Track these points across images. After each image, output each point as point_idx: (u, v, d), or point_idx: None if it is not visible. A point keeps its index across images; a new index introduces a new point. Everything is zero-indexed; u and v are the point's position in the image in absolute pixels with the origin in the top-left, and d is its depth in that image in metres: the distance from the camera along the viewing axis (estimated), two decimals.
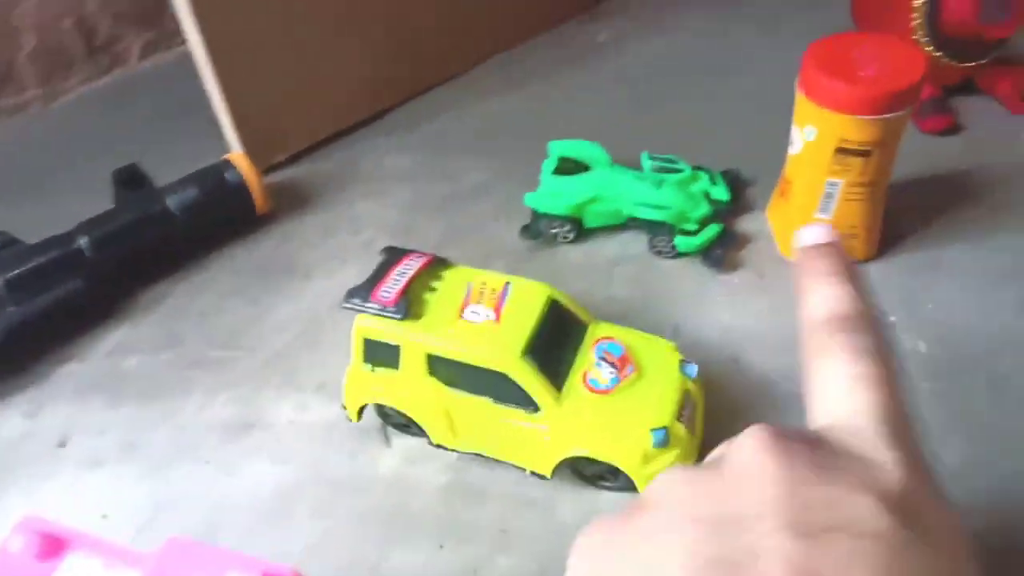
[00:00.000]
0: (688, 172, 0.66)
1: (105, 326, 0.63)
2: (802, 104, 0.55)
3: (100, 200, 0.66)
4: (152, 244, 0.65)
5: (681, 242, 0.63)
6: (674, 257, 0.64)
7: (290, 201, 0.73)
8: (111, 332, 0.63)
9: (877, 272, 0.61)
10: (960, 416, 0.52)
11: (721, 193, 0.65)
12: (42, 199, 0.75)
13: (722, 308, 0.60)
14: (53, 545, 0.34)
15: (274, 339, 0.61)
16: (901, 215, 0.64)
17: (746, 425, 0.53)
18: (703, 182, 0.66)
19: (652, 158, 0.67)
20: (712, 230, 0.63)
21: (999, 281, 0.60)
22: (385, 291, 0.47)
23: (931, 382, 0.54)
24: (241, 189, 0.67)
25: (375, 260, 0.52)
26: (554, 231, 0.65)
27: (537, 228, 0.66)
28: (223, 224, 0.69)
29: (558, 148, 0.67)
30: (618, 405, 0.47)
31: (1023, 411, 0.52)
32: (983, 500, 0.47)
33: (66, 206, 0.66)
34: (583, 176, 0.64)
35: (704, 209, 0.63)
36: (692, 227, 0.63)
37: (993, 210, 0.65)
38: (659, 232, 0.63)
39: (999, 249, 0.62)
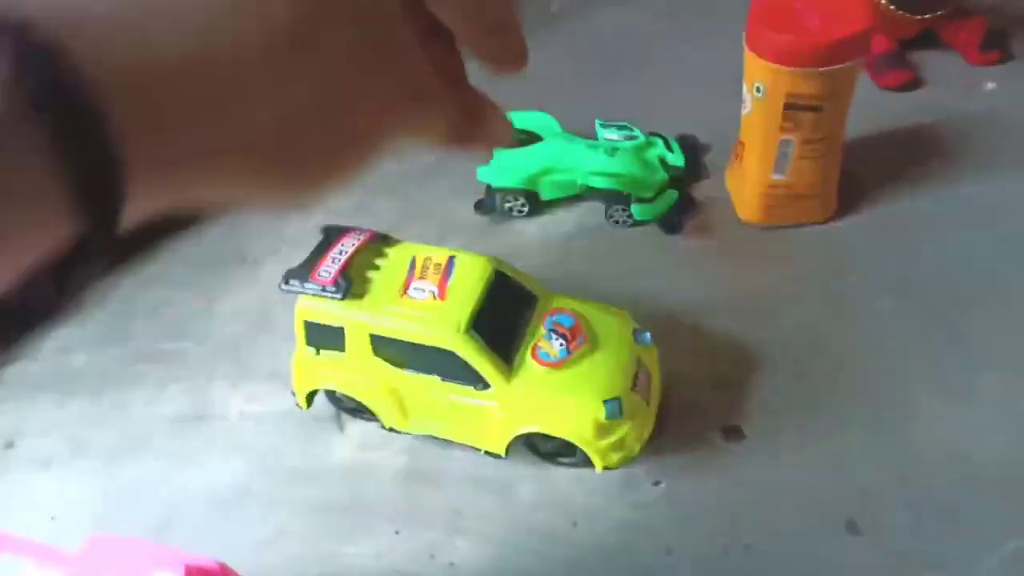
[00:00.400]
0: (642, 139, 0.64)
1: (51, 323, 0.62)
2: (750, 60, 0.53)
3: None
4: None
5: (638, 210, 0.61)
6: (632, 226, 0.62)
7: None
8: (58, 329, 0.61)
9: (840, 232, 0.60)
10: (924, 369, 0.51)
11: (677, 159, 0.64)
12: None
13: (681, 275, 0.59)
14: None
15: (224, 329, 0.60)
16: (863, 173, 0.63)
17: (703, 392, 0.51)
18: (658, 148, 0.64)
19: (605, 125, 0.65)
20: (669, 196, 0.62)
21: (961, 231, 0.59)
22: (324, 271, 0.46)
23: (896, 338, 0.53)
24: None
25: None
26: (508, 205, 0.64)
27: (491, 203, 0.64)
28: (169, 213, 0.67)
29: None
30: (569, 378, 0.46)
31: (985, 362, 0.51)
32: (949, 450, 0.46)
33: None
34: (535, 147, 0.63)
35: (660, 176, 0.62)
36: (648, 195, 0.61)
37: (954, 161, 0.64)
38: (615, 201, 0.62)
39: (961, 199, 0.61)
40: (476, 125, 0.28)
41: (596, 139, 0.65)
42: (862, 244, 0.59)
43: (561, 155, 0.62)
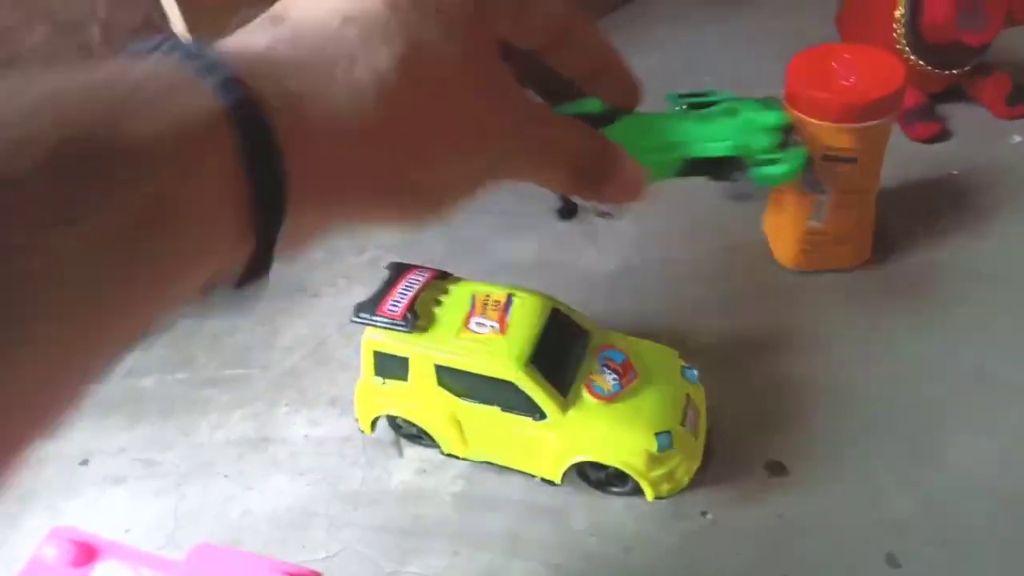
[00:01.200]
0: (731, 101, 0.50)
1: None
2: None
3: None
4: None
5: (763, 175, 0.47)
6: (755, 196, 0.49)
7: None
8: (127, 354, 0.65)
9: (872, 276, 0.63)
10: (953, 407, 0.53)
11: (775, 118, 0.49)
12: None
13: (723, 316, 0.62)
14: (85, 553, 0.35)
15: (285, 357, 0.63)
16: (893, 221, 0.66)
17: (748, 428, 0.54)
18: (749, 110, 0.49)
19: (680, 96, 0.50)
20: (798, 154, 0.48)
21: (987, 277, 0.61)
22: (392, 305, 0.49)
23: (927, 383, 0.55)
24: None
25: (380, 277, 0.53)
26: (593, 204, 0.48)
27: (572, 204, 0.51)
28: None
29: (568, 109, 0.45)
30: (622, 411, 0.49)
31: (1013, 399, 0.53)
32: (982, 484, 0.49)
33: None
34: (615, 126, 0.45)
35: (770, 136, 0.48)
36: (776, 155, 0.48)
37: (981, 211, 0.67)
38: (731, 168, 0.47)
39: (987, 249, 0.64)
40: (603, 170, 0.34)
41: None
42: (893, 288, 0.62)
43: (648, 130, 0.46)
